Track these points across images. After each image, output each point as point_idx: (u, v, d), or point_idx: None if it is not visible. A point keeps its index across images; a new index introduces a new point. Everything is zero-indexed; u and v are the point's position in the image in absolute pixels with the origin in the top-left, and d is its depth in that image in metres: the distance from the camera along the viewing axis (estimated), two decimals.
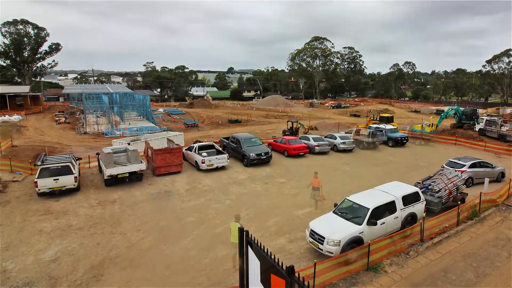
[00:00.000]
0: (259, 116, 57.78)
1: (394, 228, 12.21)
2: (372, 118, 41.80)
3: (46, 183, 15.90)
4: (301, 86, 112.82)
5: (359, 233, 11.00)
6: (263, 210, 15.24)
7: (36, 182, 15.93)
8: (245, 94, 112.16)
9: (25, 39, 71.84)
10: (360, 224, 11.18)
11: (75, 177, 16.88)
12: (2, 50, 70.86)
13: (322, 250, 10.86)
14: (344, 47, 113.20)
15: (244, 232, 6.90)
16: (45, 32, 74.48)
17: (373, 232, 11.29)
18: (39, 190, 16.06)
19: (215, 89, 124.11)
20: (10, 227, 13.34)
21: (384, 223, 11.67)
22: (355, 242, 10.84)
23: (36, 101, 60.70)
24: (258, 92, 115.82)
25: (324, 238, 10.78)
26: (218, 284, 9.85)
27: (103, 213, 14.78)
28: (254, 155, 22.16)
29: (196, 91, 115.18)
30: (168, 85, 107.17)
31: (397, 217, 12.24)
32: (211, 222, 14.02)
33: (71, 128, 40.76)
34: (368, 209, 11.45)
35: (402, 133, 31.56)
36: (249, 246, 6.68)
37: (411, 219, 12.70)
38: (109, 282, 9.96)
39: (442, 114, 39.77)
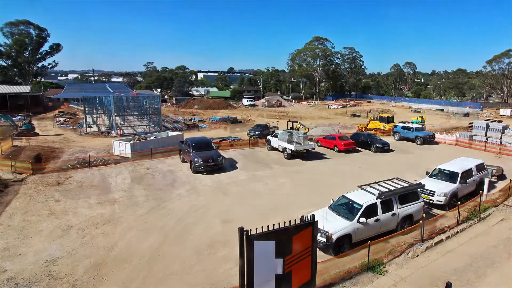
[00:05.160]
0: (259, 116, 57.81)
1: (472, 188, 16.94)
2: (372, 119, 41.83)
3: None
4: (301, 86, 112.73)
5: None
6: (263, 210, 15.24)
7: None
8: (246, 94, 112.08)
9: (26, 39, 71.96)
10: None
11: None
12: (4, 50, 71.00)
13: (433, 200, 15.14)
14: (345, 47, 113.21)
15: (245, 232, 6.93)
16: (45, 32, 74.67)
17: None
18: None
19: (215, 89, 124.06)
20: (11, 227, 13.36)
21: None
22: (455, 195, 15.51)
23: (36, 101, 60.76)
24: (258, 92, 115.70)
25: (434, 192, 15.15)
26: (218, 284, 9.86)
27: (103, 213, 14.79)
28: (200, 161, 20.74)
29: (196, 91, 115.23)
30: (168, 85, 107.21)
31: (475, 179, 17.15)
32: (211, 222, 14.03)
33: (71, 129, 40.79)
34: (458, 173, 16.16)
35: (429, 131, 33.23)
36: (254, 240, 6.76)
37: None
38: (109, 282, 9.97)
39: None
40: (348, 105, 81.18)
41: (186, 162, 23.33)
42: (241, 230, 6.90)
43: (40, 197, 16.67)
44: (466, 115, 61.41)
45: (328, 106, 78.79)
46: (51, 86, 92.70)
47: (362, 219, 11.61)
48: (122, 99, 42.25)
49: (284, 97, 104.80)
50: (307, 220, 7.86)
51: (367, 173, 21.09)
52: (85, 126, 39.64)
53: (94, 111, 47.88)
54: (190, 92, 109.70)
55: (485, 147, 28.63)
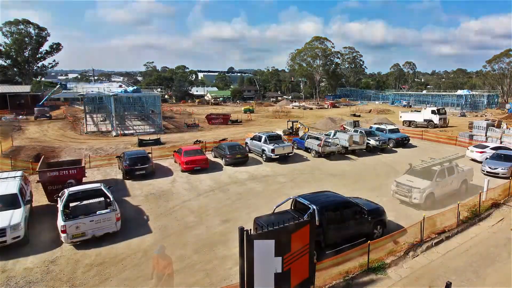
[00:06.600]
0: (259, 116, 57.82)
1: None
2: None
3: None
4: (302, 86, 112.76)
5: None
6: (263, 210, 15.23)
7: None
8: (246, 94, 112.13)
9: (26, 39, 72.03)
10: None
11: None
12: (3, 50, 71.04)
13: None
14: (345, 47, 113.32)
15: (245, 232, 6.93)
16: (45, 32, 74.77)
17: None
18: None
19: (215, 89, 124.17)
20: None
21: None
22: None
23: (37, 101, 60.77)
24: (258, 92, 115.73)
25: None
26: (218, 284, 9.86)
27: None
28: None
29: (196, 91, 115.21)
30: (168, 85, 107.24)
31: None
32: (211, 222, 14.03)
33: (71, 128, 40.82)
34: None
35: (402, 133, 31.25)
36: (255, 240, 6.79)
37: None
38: (109, 282, 9.97)
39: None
40: (343, 105, 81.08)
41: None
42: (241, 230, 6.91)
43: (40, 197, 16.66)
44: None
45: (328, 106, 78.67)
46: (51, 86, 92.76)
47: None
48: (122, 99, 42.29)
49: (284, 96, 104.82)
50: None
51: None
52: (85, 126, 39.63)
53: (94, 111, 47.89)
54: (190, 92, 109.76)
55: None
